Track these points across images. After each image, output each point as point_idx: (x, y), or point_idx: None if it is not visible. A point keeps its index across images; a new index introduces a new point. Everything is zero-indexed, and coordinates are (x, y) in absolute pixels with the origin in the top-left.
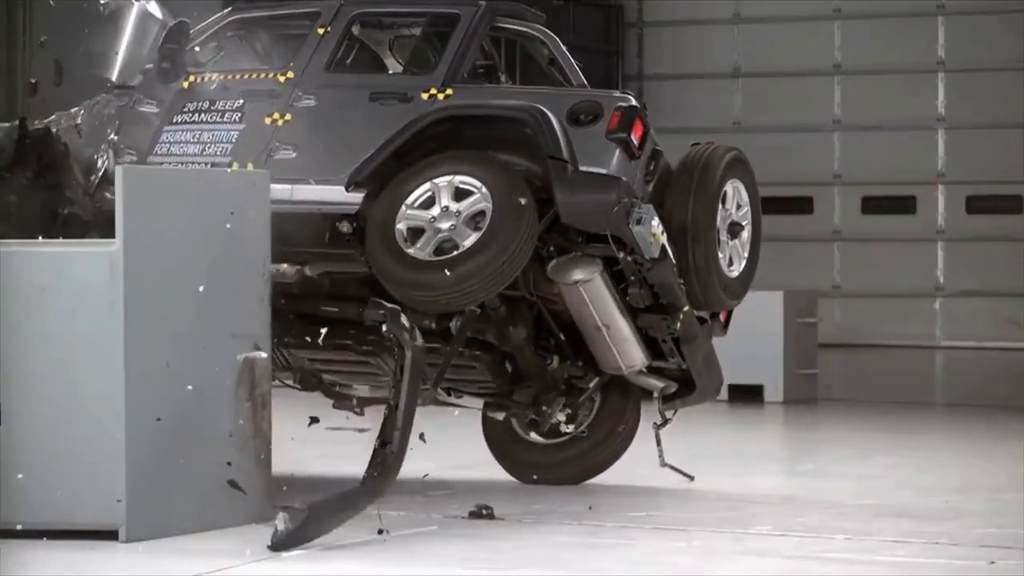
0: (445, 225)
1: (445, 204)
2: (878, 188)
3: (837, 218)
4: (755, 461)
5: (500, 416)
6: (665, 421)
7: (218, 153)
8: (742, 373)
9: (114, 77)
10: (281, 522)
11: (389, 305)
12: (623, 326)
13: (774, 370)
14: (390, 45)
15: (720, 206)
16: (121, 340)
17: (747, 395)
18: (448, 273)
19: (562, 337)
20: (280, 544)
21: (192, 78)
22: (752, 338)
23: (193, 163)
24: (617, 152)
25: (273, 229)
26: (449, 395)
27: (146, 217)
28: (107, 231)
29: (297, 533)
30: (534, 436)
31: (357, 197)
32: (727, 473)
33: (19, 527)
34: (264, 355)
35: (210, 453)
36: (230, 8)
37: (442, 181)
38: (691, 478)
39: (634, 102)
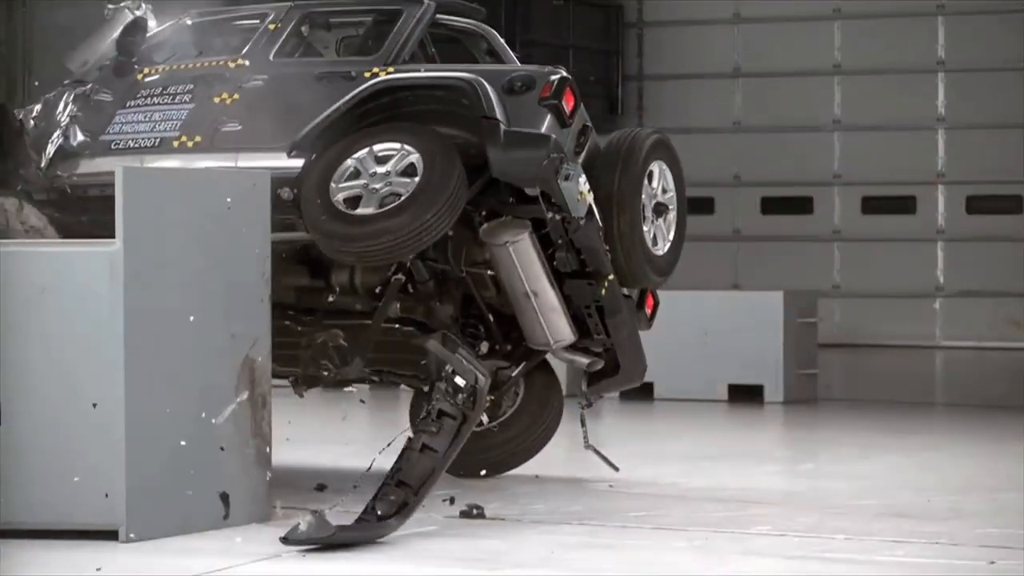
0: (380, 184)
1: (372, 171)
2: (878, 188)
3: (837, 218)
4: (755, 461)
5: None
6: (589, 403)
7: (167, 129)
8: (742, 373)
9: (80, 72)
10: (305, 524)
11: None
12: (551, 294)
13: (774, 370)
14: (337, 48)
15: (646, 183)
16: (121, 340)
17: (747, 395)
18: (404, 215)
19: (491, 318)
20: (293, 541)
21: (146, 71)
22: (752, 338)
23: (143, 139)
24: (549, 117)
25: None
26: (379, 378)
27: (146, 217)
28: (59, 207)
29: (312, 540)
30: None
31: (298, 162)
32: (727, 473)
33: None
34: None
35: (210, 453)
36: (184, 15)
37: (361, 154)
38: (616, 468)
39: (566, 74)
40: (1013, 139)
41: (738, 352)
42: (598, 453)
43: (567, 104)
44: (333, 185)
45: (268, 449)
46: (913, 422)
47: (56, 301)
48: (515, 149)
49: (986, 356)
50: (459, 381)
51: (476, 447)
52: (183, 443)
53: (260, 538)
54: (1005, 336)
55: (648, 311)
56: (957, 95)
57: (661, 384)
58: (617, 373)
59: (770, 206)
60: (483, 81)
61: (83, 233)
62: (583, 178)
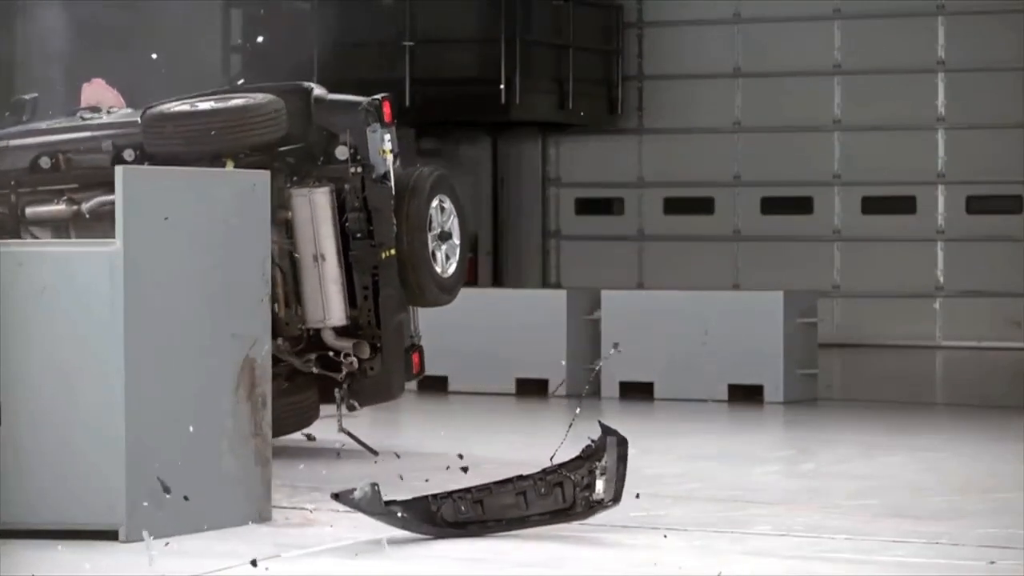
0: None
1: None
2: (878, 188)
3: (837, 218)
4: (755, 461)
5: None
6: (346, 391)
7: (31, 129)
8: (742, 373)
9: None
10: (360, 493)
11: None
12: (335, 266)
13: (774, 370)
14: None
15: (435, 206)
16: (121, 340)
17: (747, 395)
18: (232, 106)
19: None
20: (342, 501)
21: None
22: (752, 338)
23: (7, 135)
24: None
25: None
26: None
27: (146, 217)
28: None
29: (361, 510)
30: None
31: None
32: (727, 473)
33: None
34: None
35: (210, 453)
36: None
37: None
38: (375, 453)
39: (387, 95)
40: (1013, 139)
41: (738, 352)
42: (353, 437)
43: (386, 112)
44: (173, 105)
45: (268, 449)
46: (913, 422)
47: (56, 301)
48: (336, 107)
49: (986, 356)
50: (599, 488)
51: None
52: (183, 443)
53: (260, 538)
54: (1005, 336)
55: (415, 369)
56: (957, 95)
57: (661, 384)
58: (378, 375)
59: (770, 206)
60: (313, 86)
61: None
62: (388, 138)
